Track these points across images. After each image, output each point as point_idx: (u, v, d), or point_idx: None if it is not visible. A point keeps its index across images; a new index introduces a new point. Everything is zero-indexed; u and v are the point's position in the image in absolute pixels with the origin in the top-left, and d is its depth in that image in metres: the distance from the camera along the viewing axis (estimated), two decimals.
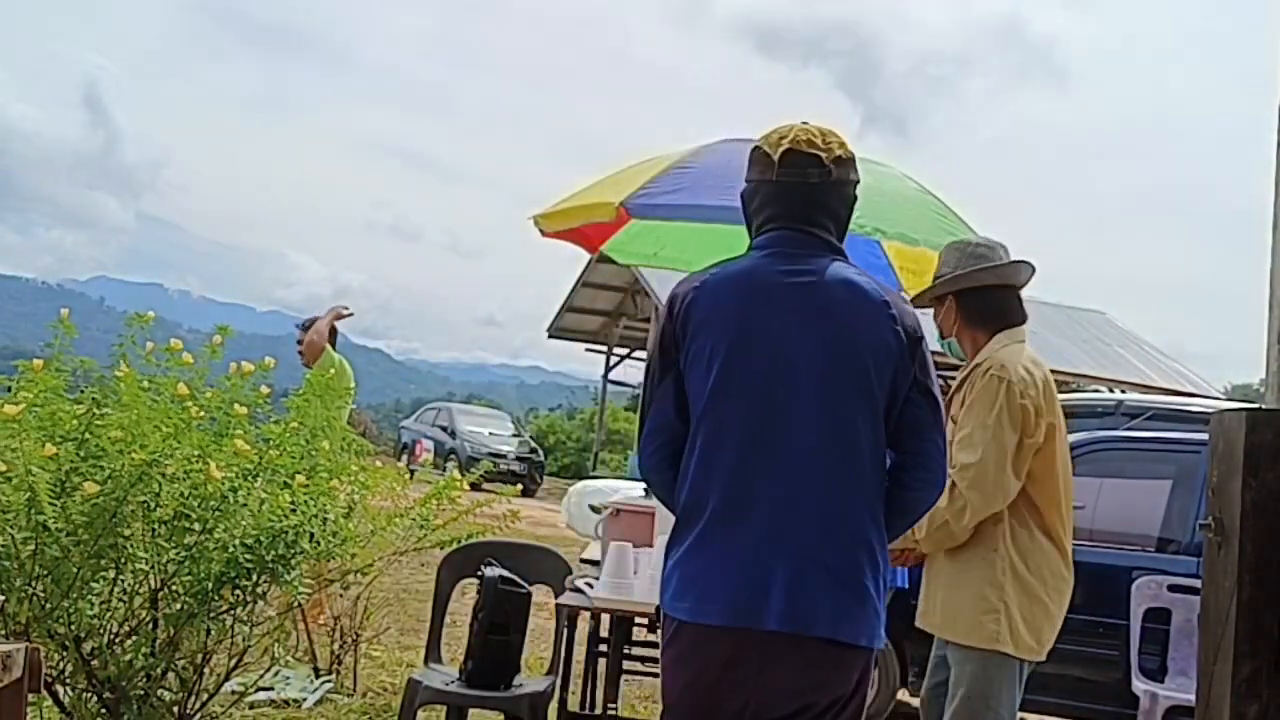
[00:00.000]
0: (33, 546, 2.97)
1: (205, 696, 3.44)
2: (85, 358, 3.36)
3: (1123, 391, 16.62)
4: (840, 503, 1.87)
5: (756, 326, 1.90)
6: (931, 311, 3.12)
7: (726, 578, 1.84)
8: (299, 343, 6.36)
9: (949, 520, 2.78)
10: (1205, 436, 1.64)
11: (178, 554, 3.15)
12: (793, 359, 1.88)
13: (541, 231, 4.28)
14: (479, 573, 3.56)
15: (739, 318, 1.91)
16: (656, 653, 4.55)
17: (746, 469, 1.86)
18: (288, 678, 4.60)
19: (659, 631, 1.99)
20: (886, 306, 1.96)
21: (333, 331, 6.36)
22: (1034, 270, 3.04)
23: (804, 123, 2.09)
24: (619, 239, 4.77)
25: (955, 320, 3.05)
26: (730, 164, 3.99)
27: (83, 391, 3.23)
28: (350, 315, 6.48)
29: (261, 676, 4.08)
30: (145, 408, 3.13)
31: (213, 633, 3.30)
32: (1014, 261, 3.03)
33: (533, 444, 23.31)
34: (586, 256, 16.78)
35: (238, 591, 3.28)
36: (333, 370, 5.44)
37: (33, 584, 3.01)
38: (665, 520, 3.34)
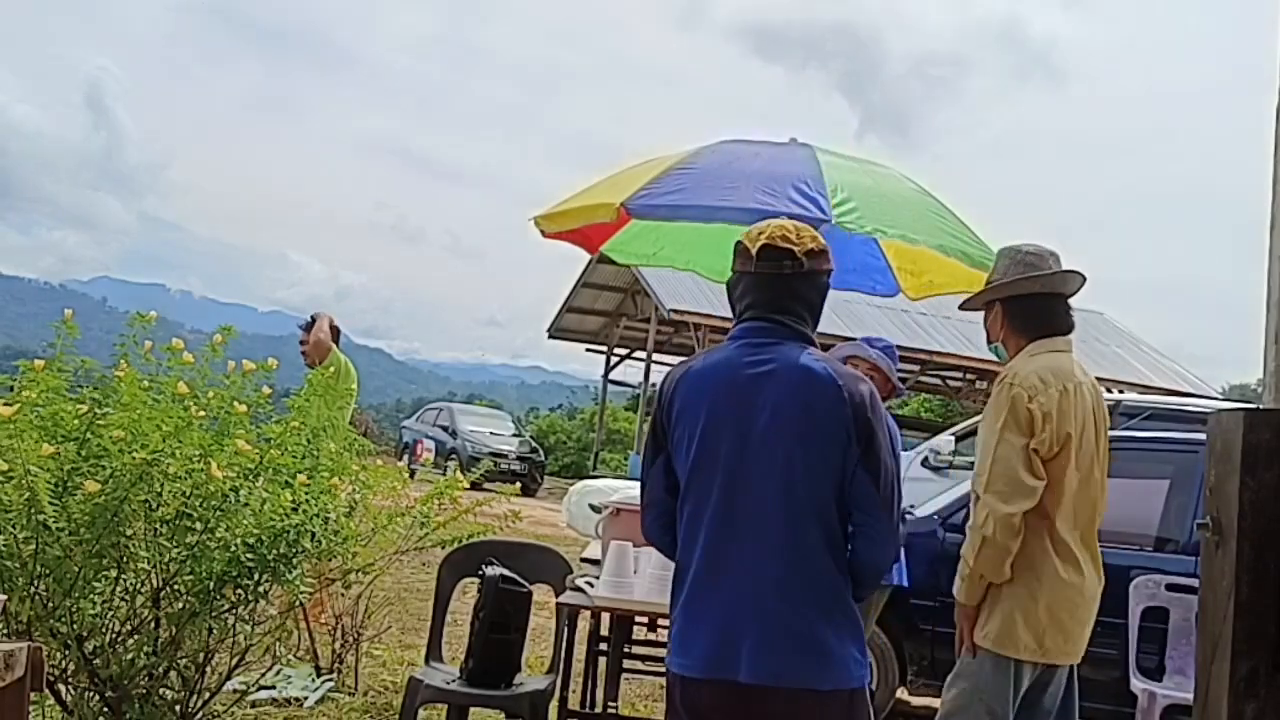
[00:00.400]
0: (35, 546, 2.98)
1: (207, 695, 3.45)
2: (87, 358, 3.36)
3: (1121, 391, 16.64)
4: (801, 569, 2.09)
5: (724, 413, 2.14)
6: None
7: (706, 635, 2.10)
8: (302, 343, 6.36)
9: (976, 528, 2.81)
10: (1203, 436, 1.65)
11: (179, 553, 3.16)
12: (755, 441, 2.12)
13: (542, 232, 4.29)
14: (480, 572, 3.57)
15: (710, 405, 2.16)
16: (656, 651, 4.58)
17: (720, 539, 2.12)
18: (289, 676, 4.61)
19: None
20: (838, 389, 2.13)
21: (336, 331, 6.36)
22: (1084, 280, 3.07)
23: (781, 221, 2.32)
24: (618, 239, 4.78)
25: (1001, 326, 3.10)
26: (730, 165, 4.01)
27: (84, 391, 3.24)
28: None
29: (263, 675, 4.09)
30: (146, 407, 3.14)
31: (214, 631, 3.31)
32: (1061, 271, 3.06)
33: (533, 444, 23.32)
34: (587, 257, 16.81)
35: (239, 590, 3.29)
36: (333, 369, 5.44)
37: (35, 583, 3.02)
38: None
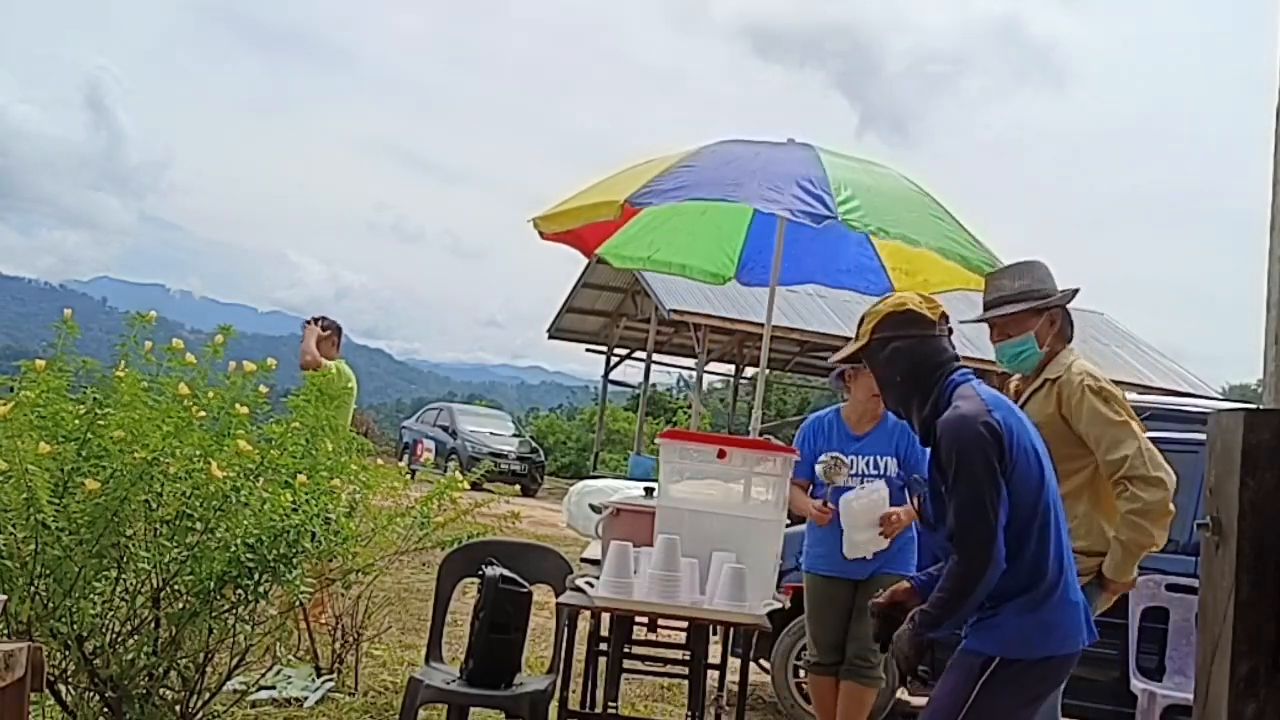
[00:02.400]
0: (35, 545, 2.98)
1: (207, 695, 3.45)
2: (87, 358, 3.37)
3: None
4: None
5: (1033, 440, 2.55)
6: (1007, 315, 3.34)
7: (1080, 615, 2.50)
8: (304, 326, 6.31)
9: (1155, 505, 3.05)
10: (1203, 436, 1.66)
11: (180, 553, 3.16)
12: (1044, 457, 2.58)
13: (541, 234, 4.30)
14: (480, 572, 3.57)
15: (1027, 432, 2.54)
16: (656, 651, 4.59)
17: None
18: (289, 677, 4.61)
19: (996, 675, 2.42)
20: None
21: (337, 333, 6.33)
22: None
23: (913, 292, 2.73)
24: (614, 242, 4.79)
25: (1052, 331, 3.32)
26: (732, 162, 4.01)
27: (85, 391, 3.24)
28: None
29: (263, 675, 4.09)
30: (146, 407, 3.14)
31: (215, 632, 3.31)
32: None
33: (533, 444, 23.31)
34: (586, 258, 16.77)
35: (239, 591, 3.29)
36: (331, 374, 5.42)
37: (35, 583, 3.02)
38: (665, 521, 3.36)
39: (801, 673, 5.13)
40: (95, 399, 3.17)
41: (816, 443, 4.05)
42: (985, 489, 2.37)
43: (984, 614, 2.43)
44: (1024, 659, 2.41)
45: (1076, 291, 3.37)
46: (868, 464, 3.99)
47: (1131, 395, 3.85)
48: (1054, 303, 3.33)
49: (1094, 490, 3.22)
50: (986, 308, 3.39)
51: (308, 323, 6.39)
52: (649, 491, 3.79)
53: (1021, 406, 3.28)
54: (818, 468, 3.93)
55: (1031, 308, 3.31)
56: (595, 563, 3.60)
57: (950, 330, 2.64)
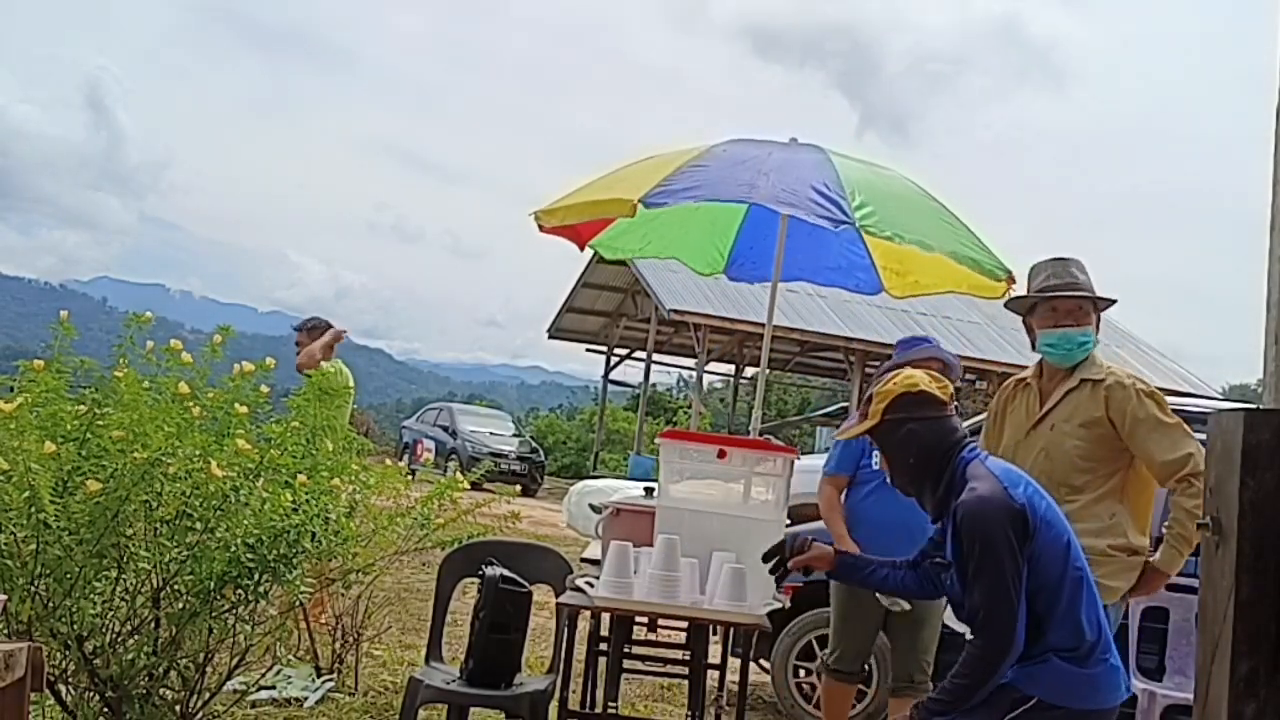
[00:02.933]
0: (35, 545, 2.98)
1: (207, 695, 3.45)
2: (87, 358, 3.37)
3: None
4: None
5: (1058, 516, 2.55)
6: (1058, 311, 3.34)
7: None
8: (297, 344, 6.35)
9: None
10: (1203, 436, 1.66)
11: (180, 553, 3.16)
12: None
13: (540, 227, 4.28)
14: (480, 572, 3.57)
15: (1053, 512, 2.55)
16: (656, 651, 4.58)
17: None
18: (289, 677, 4.61)
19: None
20: None
21: (335, 339, 6.33)
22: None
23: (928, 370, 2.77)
24: (606, 235, 4.78)
25: (1097, 331, 3.36)
26: (744, 163, 4.01)
27: (84, 392, 3.24)
28: (345, 334, 6.44)
29: (263, 675, 4.09)
30: (146, 407, 3.14)
31: (215, 632, 3.31)
32: None
33: (533, 444, 23.31)
34: (587, 257, 16.79)
35: (240, 591, 3.29)
36: (331, 370, 5.43)
37: (35, 583, 3.02)
38: (665, 521, 3.36)
39: (802, 673, 5.13)
40: (95, 400, 3.18)
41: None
42: (1008, 575, 2.38)
43: (1031, 661, 2.43)
44: (1065, 707, 2.43)
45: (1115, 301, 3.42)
46: None
47: None
48: (1097, 304, 3.37)
49: (1125, 491, 3.27)
50: (1059, 289, 3.33)
51: (299, 326, 6.40)
52: (649, 491, 3.79)
53: (1054, 407, 3.30)
54: None
55: (1110, 301, 3.36)
56: (595, 563, 3.59)
57: (959, 408, 2.70)
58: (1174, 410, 3.30)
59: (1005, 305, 3.65)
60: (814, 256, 4.80)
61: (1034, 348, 3.42)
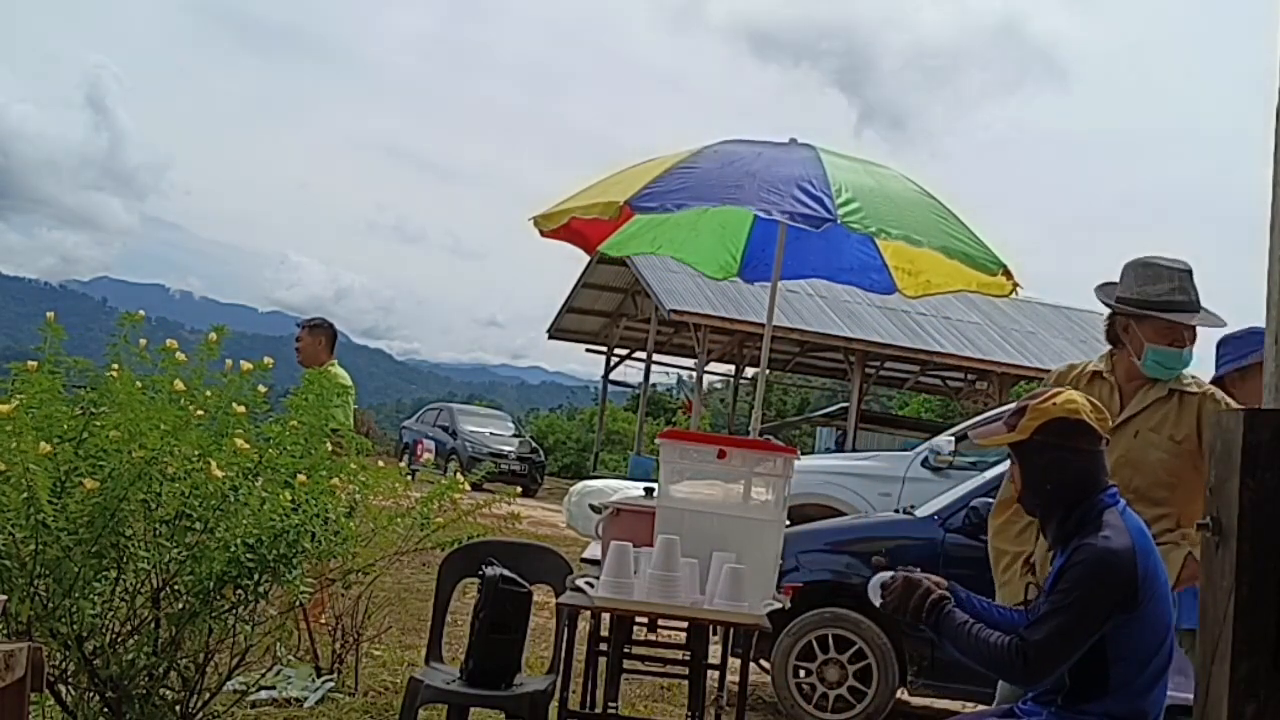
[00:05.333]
0: (34, 545, 2.98)
1: (207, 695, 3.45)
2: (81, 358, 3.37)
3: None
4: None
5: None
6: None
7: None
8: (297, 340, 6.35)
9: None
10: None
11: (179, 553, 3.16)
12: None
13: (541, 232, 4.29)
14: (480, 572, 3.56)
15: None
16: (656, 652, 4.58)
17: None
18: (289, 677, 4.61)
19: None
20: None
21: (333, 339, 6.34)
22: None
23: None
24: (617, 238, 4.78)
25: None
26: (733, 164, 4.00)
27: (80, 393, 3.24)
28: None
29: (263, 675, 4.09)
30: (143, 407, 3.14)
31: (214, 632, 3.31)
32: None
33: (533, 444, 23.31)
34: (586, 257, 16.82)
35: (239, 591, 3.29)
36: (331, 371, 5.43)
37: (35, 583, 3.02)
38: (665, 521, 3.36)
39: (802, 673, 5.13)
40: (90, 400, 3.18)
41: None
42: (1088, 626, 2.37)
43: (1082, 716, 2.42)
44: None
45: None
46: None
47: None
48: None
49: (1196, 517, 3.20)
50: (1185, 307, 3.10)
51: (302, 324, 6.40)
52: (649, 491, 3.79)
53: (1139, 413, 3.13)
54: None
55: (1218, 320, 3.18)
56: (595, 563, 3.59)
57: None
58: None
59: (1116, 300, 3.22)
60: (828, 256, 4.81)
61: (1131, 353, 3.16)
